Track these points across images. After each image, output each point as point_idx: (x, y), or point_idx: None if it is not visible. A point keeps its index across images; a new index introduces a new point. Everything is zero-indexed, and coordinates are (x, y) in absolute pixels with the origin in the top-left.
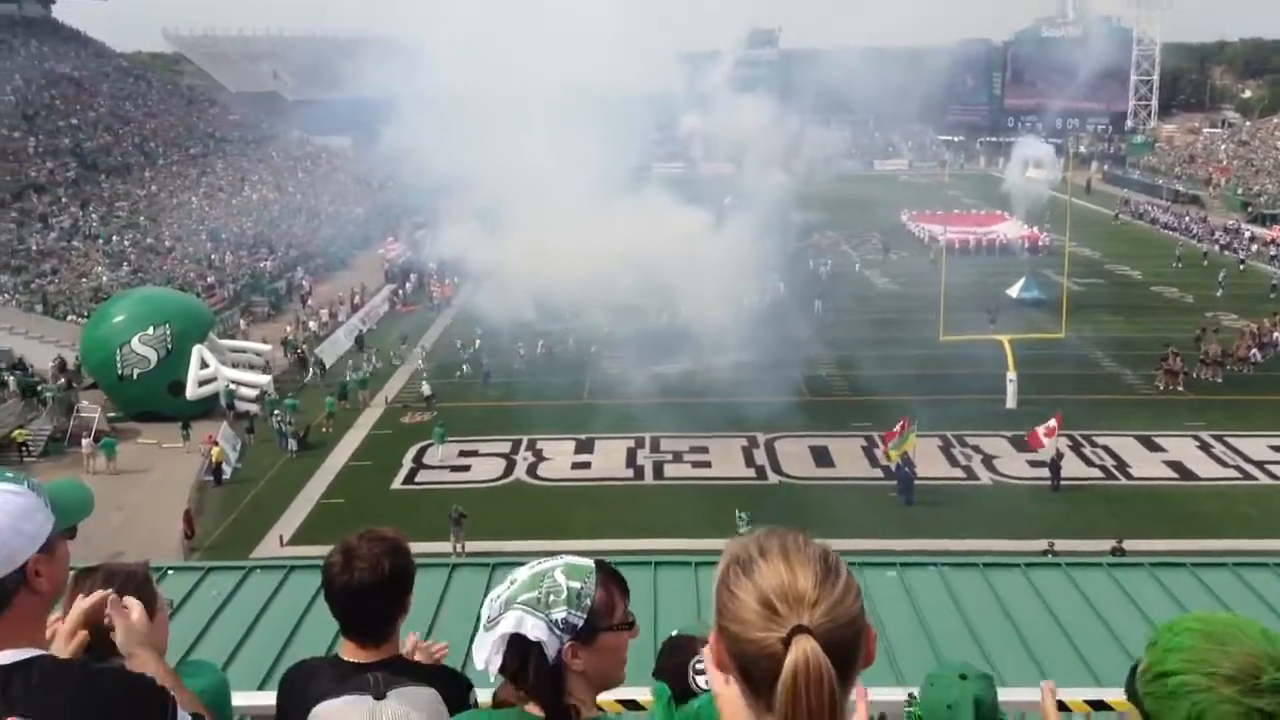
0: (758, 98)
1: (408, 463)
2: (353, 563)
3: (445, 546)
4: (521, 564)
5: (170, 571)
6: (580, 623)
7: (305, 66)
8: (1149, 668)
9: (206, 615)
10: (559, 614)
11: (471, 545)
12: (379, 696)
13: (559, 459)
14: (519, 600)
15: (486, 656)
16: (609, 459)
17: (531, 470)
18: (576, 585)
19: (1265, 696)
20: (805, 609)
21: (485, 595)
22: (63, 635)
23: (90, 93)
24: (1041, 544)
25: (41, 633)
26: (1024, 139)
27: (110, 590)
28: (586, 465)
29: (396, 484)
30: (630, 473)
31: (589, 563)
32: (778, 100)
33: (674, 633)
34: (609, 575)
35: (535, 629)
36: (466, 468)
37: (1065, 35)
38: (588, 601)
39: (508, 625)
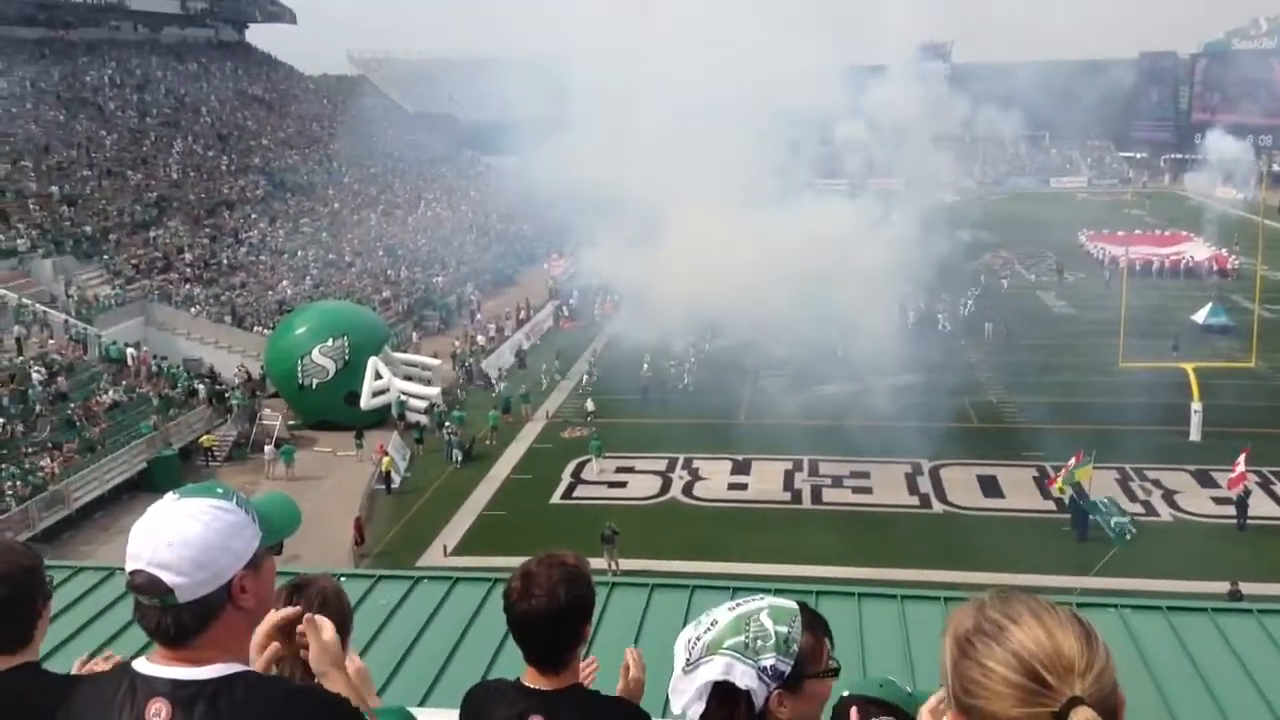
0: (928, 112)
1: (566, 477)
2: (531, 589)
3: (601, 563)
4: (683, 586)
5: (342, 578)
6: (788, 670)
7: (477, 87)
8: None
9: (376, 623)
10: (768, 660)
11: (626, 563)
12: None
13: (715, 479)
14: (725, 645)
15: (686, 702)
16: (766, 481)
17: (687, 489)
18: (784, 630)
19: None
20: (1075, 677)
21: (643, 615)
22: (254, 647)
23: (279, 114)
24: (1224, 585)
25: (245, 649)
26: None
27: (300, 608)
28: (743, 486)
29: (555, 498)
30: (788, 496)
31: (793, 605)
32: (949, 114)
33: (845, 694)
34: (813, 619)
35: (745, 677)
36: (623, 484)
37: (1258, 47)
38: (795, 648)
39: (714, 672)
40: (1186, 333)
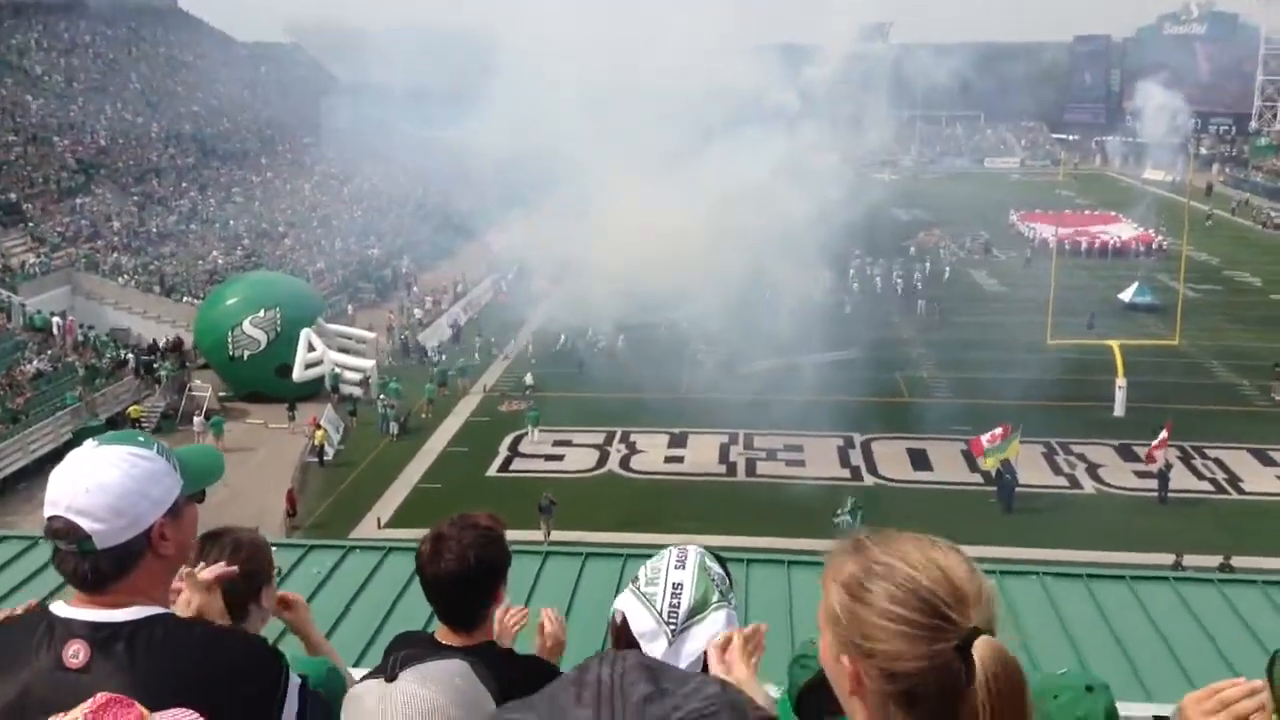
0: (867, 91)
1: (504, 450)
2: (441, 552)
3: (538, 534)
4: (615, 555)
5: (273, 548)
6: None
7: (414, 57)
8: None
9: (307, 592)
10: (732, 598)
11: (563, 535)
12: (390, 678)
13: (652, 452)
14: (713, 601)
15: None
16: (702, 454)
17: (624, 462)
18: (719, 568)
19: None
20: (971, 607)
21: (576, 583)
22: (181, 602)
23: (211, 80)
24: (1149, 558)
25: (166, 594)
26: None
27: (234, 568)
28: (679, 459)
29: (492, 471)
30: (723, 468)
31: (699, 547)
32: (888, 95)
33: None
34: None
35: (733, 619)
36: (560, 457)
37: (1189, 33)
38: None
39: (719, 625)
40: (1109, 311)
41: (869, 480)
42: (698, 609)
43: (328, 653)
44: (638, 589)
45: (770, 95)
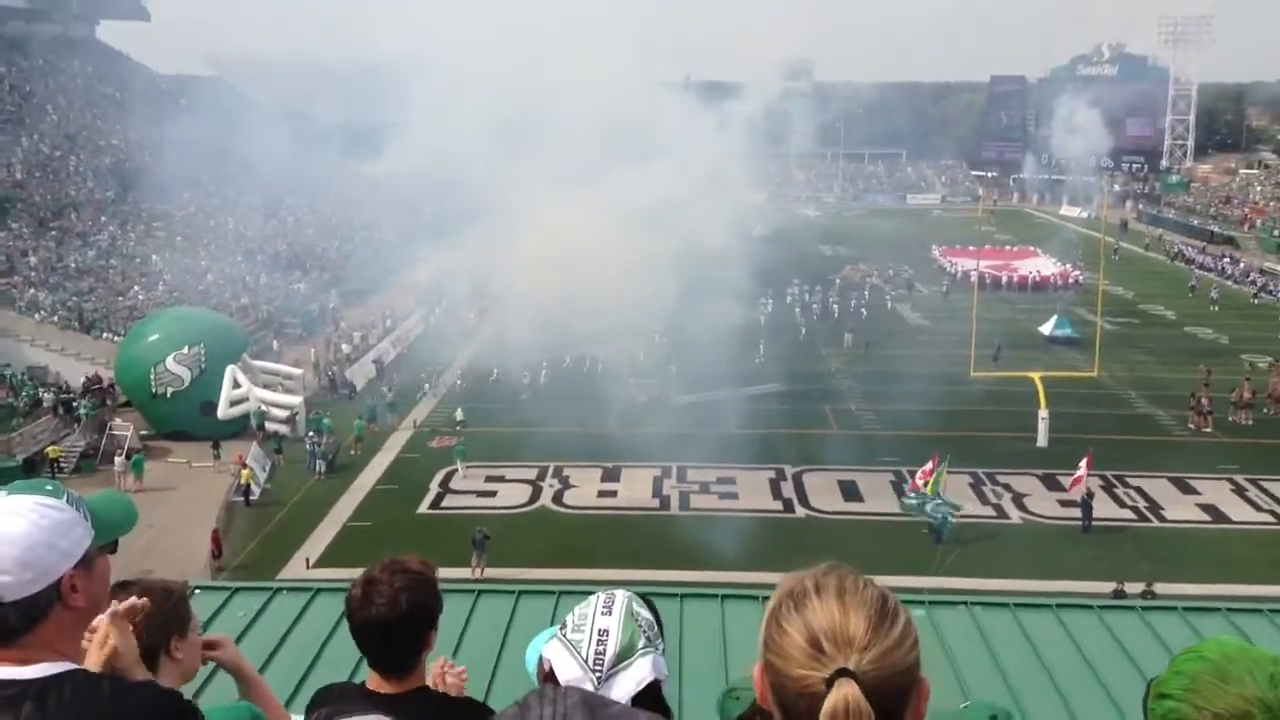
0: (790, 129)
1: (435, 487)
2: (372, 597)
3: (470, 572)
4: (549, 592)
5: (197, 590)
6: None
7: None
8: (1158, 684)
9: (232, 636)
10: (659, 644)
11: (497, 572)
12: None
13: (585, 487)
14: (639, 647)
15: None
16: (635, 488)
17: (558, 498)
18: (648, 613)
19: None
20: (854, 652)
21: (510, 621)
22: (95, 645)
23: (131, 113)
24: (1076, 585)
25: (77, 648)
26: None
27: (145, 600)
28: (613, 494)
29: (423, 508)
30: (656, 502)
31: (627, 591)
32: (811, 133)
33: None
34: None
35: (660, 666)
36: (493, 494)
37: (1101, 74)
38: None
39: (645, 672)
40: (1033, 343)
41: (800, 512)
42: (624, 655)
43: (264, 692)
44: (564, 636)
45: (693, 130)
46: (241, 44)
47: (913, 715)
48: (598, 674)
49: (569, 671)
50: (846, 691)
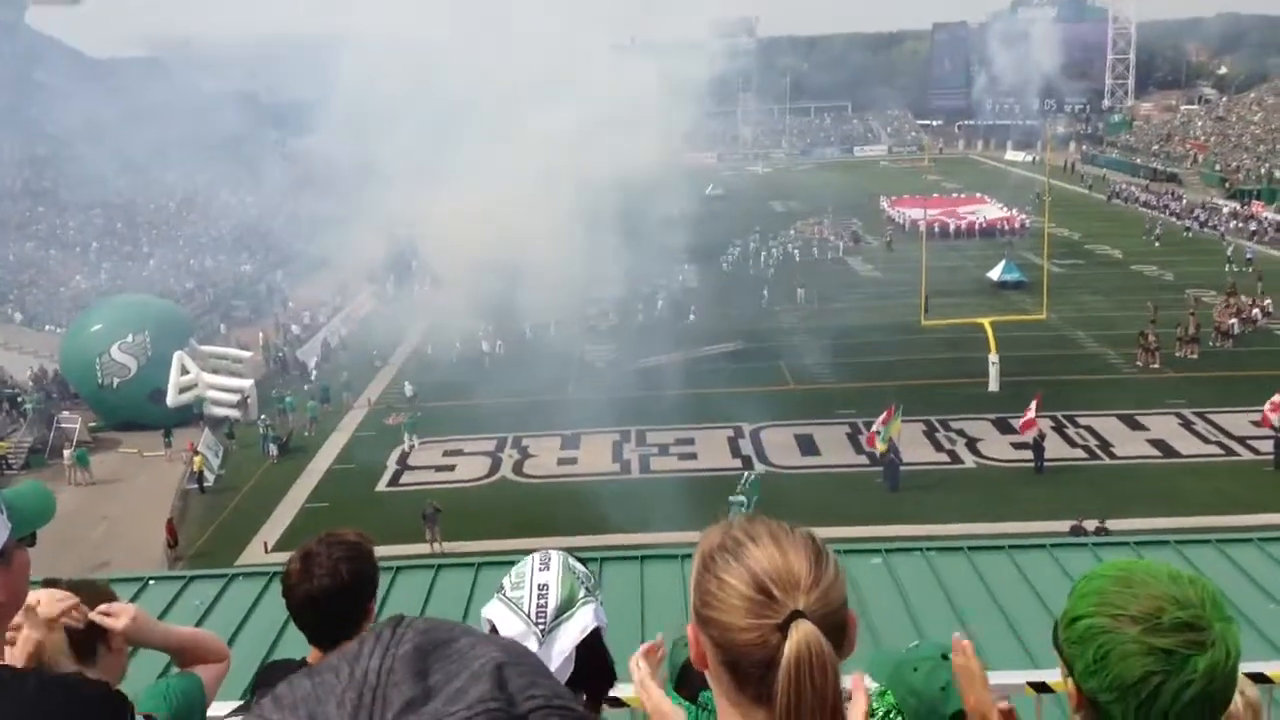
0: (737, 87)
1: (392, 464)
2: (312, 570)
3: (423, 548)
4: (510, 562)
5: (152, 581)
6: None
7: (281, 67)
8: (1066, 614)
9: (189, 625)
10: (600, 596)
11: (458, 545)
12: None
13: (545, 456)
14: (579, 597)
15: (555, 670)
16: (595, 454)
17: (517, 468)
18: (583, 567)
19: (1166, 635)
20: (801, 593)
21: (471, 594)
22: (21, 641)
23: (66, 99)
24: (1031, 526)
25: None
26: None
27: (76, 599)
28: (573, 461)
29: (381, 486)
30: (616, 467)
31: (561, 551)
32: (757, 89)
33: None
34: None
35: (600, 614)
36: (452, 467)
37: (1041, 16)
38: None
39: (587, 619)
40: (982, 288)
41: (760, 468)
42: (565, 606)
43: (198, 654)
44: (504, 595)
45: (638, 92)
46: (179, 24)
47: (848, 648)
48: (541, 626)
49: (512, 628)
50: (806, 631)
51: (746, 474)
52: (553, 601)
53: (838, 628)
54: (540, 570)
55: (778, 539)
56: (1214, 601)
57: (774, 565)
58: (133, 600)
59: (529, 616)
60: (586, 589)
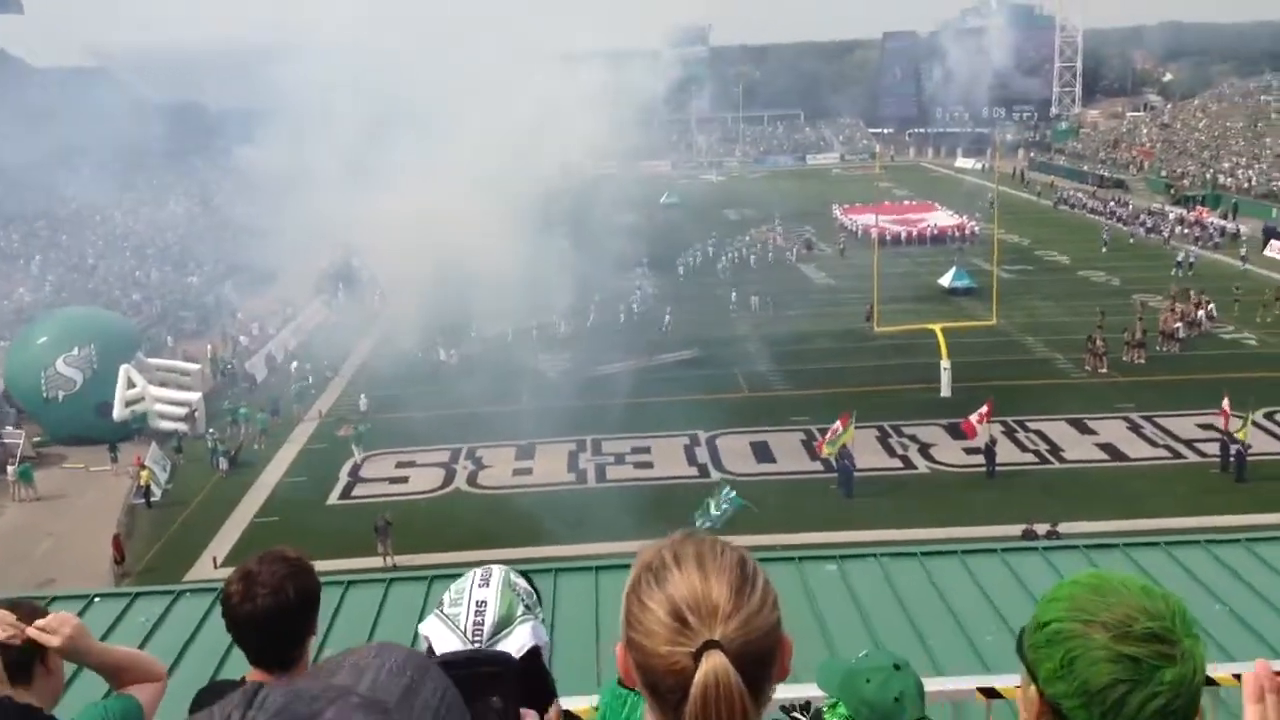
0: (690, 95)
1: (344, 477)
2: (253, 589)
3: (375, 561)
4: (461, 576)
5: (97, 599)
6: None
7: (228, 76)
8: (1034, 619)
9: (135, 643)
10: (540, 614)
11: (412, 558)
12: None
13: (500, 466)
14: (518, 615)
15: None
16: (551, 464)
17: (472, 479)
18: (527, 584)
19: (1135, 644)
20: (718, 622)
21: (423, 608)
22: None
23: (8, 108)
24: (984, 530)
25: None
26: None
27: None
28: (528, 471)
29: (333, 499)
30: (572, 477)
31: (504, 566)
32: (710, 97)
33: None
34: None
35: (539, 632)
36: (405, 479)
37: (989, 25)
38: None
39: (525, 638)
40: (934, 294)
41: (715, 476)
42: (503, 624)
43: (135, 675)
44: (442, 611)
45: (592, 100)
46: (125, 34)
47: (779, 674)
48: (477, 643)
49: (448, 645)
50: (715, 663)
51: (725, 490)
52: (490, 619)
53: (760, 657)
54: (480, 586)
55: (703, 563)
56: (1184, 617)
57: (693, 592)
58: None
59: (465, 634)
60: (526, 606)
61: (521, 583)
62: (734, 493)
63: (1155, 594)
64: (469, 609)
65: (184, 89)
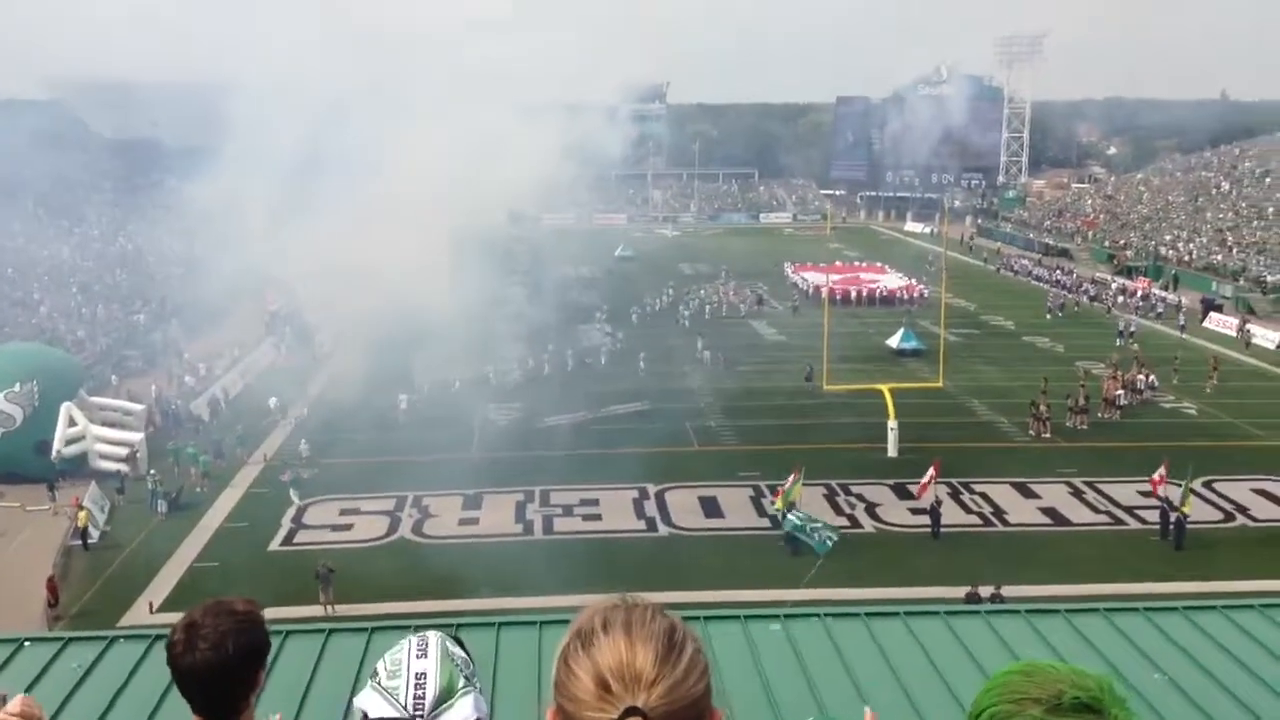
0: (647, 150)
1: (287, 523)
2: (195, 641)
3: (316, 609)
4: (404, 627)
5: (27, 643)
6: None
7: (185, 113)
8: (972, 710)
9: (65, 690)
10: (476, 683)
11: (354, 608)
12: None
13: (446, 515)
14: (459, 687)
15: None
16: (498, 514)
17: (417, 528)
18: (463, 653)
19: (1066, 715)
20: (642, 689)
21: (362, 660)
22: None
23: None
24: (927, 591)
25: None
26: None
27: None
28: (475, 521)
29: (275, 545)
30: (519, 528)
31: (439, 632)
32: (667, 153)
33: None
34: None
35: (480, 704)
36: (349, 526)
37: (940, 94)
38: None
39: (467, 711)
40: (882, 355)
41: (663, 530)
42: (444, 697)
43: None
44: (378, 684)
45: (549, 152)
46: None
47: None
48: (419, 717)
49: (387, 718)
50: None
51: (826, 531)
52: (431, 692)
53: None
54: (418, 657)
55: (630, 631)
56: (1112, 692)
57: (618, 659)
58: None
59: (405, 708)
60: (466, 677)
61: (459, 652)
62: (830, 543)
63: (1084, 673)
64: (408, 681)
65: (134, 126)
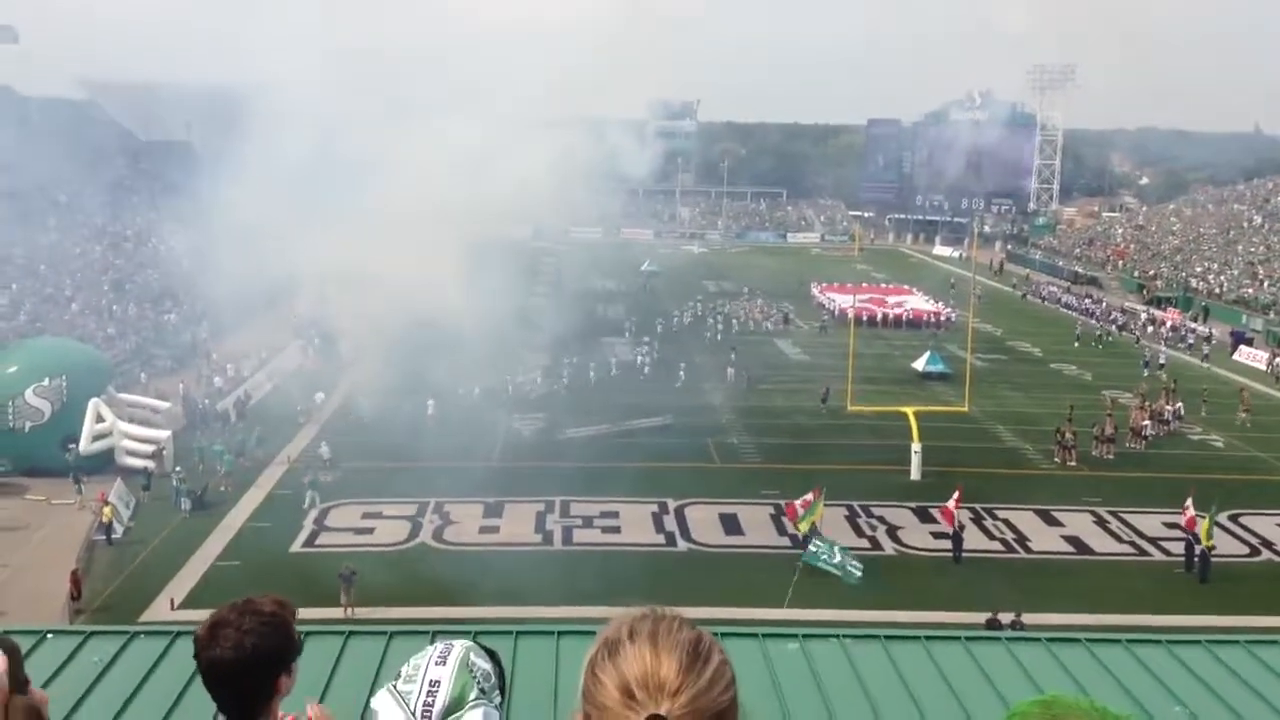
0: (676, 167)
1: (309, 524)
2: (217, 638)
3: (337, 612)
4: (423, 632)
5: (49, 635)
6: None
7: (218, 116)
8: None
9: (85, 683)
10: (496, 698)
11: (373, 611)
12: None
13: (466, 522)
14: (470, 699)
15: None
16: (518, 523)
17: (438, 534)
18: (488, 665)
19: None
20: (665, 698)
21: (381, 663)
22: None
23: None
24: (948, 616)
25: None
26: (932, 204)
27: None
28: (495, 529)
29: (296, 546)
30: (539, 537)
31: (467, 641)
32: (696, 170)
33: None
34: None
35: (491, 716)
36: (370, 530)
37: (973, 119)
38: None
39: None
40: (907, 378)
41: (682, 546)
42: (453, 707)
43: None
44: (395, 686)
45: (576, 169)
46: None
47: None
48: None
49: (406, 712)
50: None
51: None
52: (440, 701)
53: None
54: (436, 665)
55: (655, 640)
56: None
57: (642, 669)
58: (29, 654)
59: (414, 714)
60: (481, 690)
61: (481, 664)
62: (859, 573)
63: (1107, 711)
64: (422, 687)
65: (168, 128)
